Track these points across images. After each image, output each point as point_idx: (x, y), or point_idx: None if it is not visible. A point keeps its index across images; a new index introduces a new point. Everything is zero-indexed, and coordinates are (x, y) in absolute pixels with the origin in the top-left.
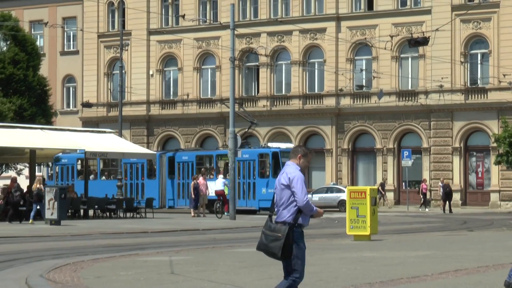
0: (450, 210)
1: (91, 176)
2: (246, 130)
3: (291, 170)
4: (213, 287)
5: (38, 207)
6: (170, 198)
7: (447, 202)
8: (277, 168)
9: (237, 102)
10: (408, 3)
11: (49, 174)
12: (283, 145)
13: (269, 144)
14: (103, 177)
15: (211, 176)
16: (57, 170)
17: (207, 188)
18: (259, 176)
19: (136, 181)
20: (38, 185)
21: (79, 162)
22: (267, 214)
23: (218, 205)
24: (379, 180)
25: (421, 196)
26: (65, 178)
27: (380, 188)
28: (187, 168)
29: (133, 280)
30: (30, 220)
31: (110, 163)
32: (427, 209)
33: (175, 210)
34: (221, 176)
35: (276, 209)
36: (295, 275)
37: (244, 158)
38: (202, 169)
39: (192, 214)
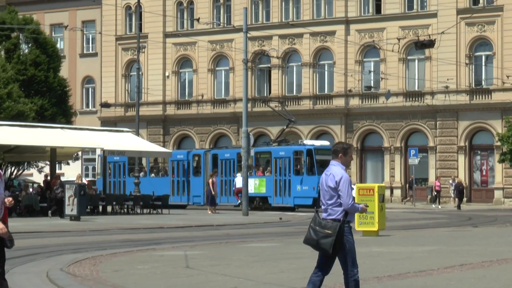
0: (459, 207)
1: (141, 174)
2: (285, 128)
3: (337, 171)
4: (226, 281)
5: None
6: None
7: (460, 200)
8: (311, 165)
9: (278, 101)
10: (415, 7)
11: (98, 171)
12: (318, 142)
13: (305, 142)
14: (152, 175)
15: (251, 173)
16: (109, 168)
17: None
18: (294, 174)
19: (182, 178)
20: (78, 181)
21: (130, 160)
22: (303, 211)
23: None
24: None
25: (435, 193)
26: (117, 175)
27: (408, 185)
28: (229, 166)
29: (150, 273)
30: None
31: (158, 161)
32: (440, 206)
33: (218, 207)
34: (239, 174)
35: (322, 206)
36: (352, 270)
37: (280, 155)
38: (215, 169)
39: (209, 212)
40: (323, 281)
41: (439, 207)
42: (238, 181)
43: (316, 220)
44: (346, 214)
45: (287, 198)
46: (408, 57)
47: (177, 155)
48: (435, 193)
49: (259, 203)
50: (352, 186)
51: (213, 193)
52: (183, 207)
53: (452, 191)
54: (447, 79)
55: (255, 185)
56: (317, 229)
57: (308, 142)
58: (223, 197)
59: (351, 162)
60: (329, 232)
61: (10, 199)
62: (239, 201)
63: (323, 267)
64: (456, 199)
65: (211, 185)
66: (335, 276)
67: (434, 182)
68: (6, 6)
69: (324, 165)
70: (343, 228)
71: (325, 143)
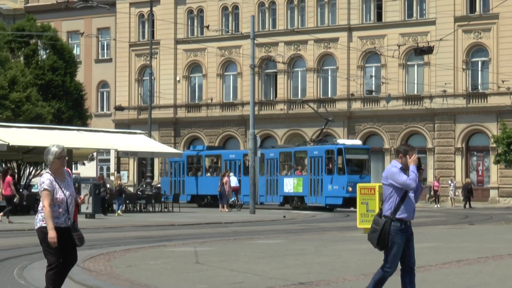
0: (470, 206)
1: (199, 173)
2: (323, 128)
3: (388, 167)
4: (234, 276)
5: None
6: (261, 194)
7: (468, 198)
8: (342, 164)
9: (320, 101)
10: (414, 14)
11: (161, 171)
12: (351, 142)
13: (338, 141)
14: (208, 174)
15: (289, 173)
16: (171, 167)
17: (230, 186)
18: (326, 173)
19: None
20: (119, 182)
21: (189, 160)
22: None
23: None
24: None
25: (433, 193)
26: (177, 174)
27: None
28: (273, 165)
29: (161, 269)
30: (116, 213)
31: (214, 161)
32: (439, 205)
33: (263, 206)
34: (232, 173)
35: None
36: (387, 266)
37: (314, 155)
38: (228, 169)
39: (220, 209)
40: (386, 276)
41: (438, 206)
42: (233, 180)
43: (375, 217)
44: (397, 209)
45: (319, 197)
46: (408, 63)
47: (229, 154)
48: (433, 193)
49: (297, 202)
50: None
51: (226, 191)
52: (233, 207)
53: (452, 191)
54: (445, 84)
55: (294, 185)
56: (372, 225)
57: (341, 141)
58: (268, 197)
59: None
60: (377, 227)
61: (82, 197)
62: (233, 198)
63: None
64: (466, 199)
65: (225, 184)
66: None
67: (433, 183)
68: (25, 14)
69: (355, 164)
70: (388, 224)
71: (357, 142)
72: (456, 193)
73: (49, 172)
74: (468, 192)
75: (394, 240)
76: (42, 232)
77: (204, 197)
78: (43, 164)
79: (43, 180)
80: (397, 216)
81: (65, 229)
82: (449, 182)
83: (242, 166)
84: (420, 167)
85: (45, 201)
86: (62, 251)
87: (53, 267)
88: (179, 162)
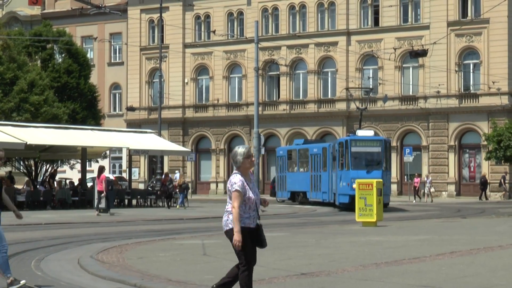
0: (486, 198)
1: (295, 168)
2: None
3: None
4: None
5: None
6: (306, 190)
7: (483, 191)
8: (347, 159)
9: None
10: (410, 20)
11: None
12: (363, 133)
13: (358, 132)
14: (302, 169)
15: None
16: (277, 163)
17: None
18: (332, 169)
19: (314, 173)
20: (183, 179)
21: (288, 155)
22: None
23: None
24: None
25: (413, 189)
26: (280, 170)
27: (502, 180)
28: (317, 160)
29: (171, 260)
30: (177, 206)
31: (304, 155)
32: (415, 201)
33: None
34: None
35: None
36: None
37: (314, 152)
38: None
39: None
40: None
41: (414, 201)
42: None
43: None
44: None
45: (319, 193)
46: (403, 65)
47: (313, 148)
48: (413, 189)
49: (302, 197)
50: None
51: None
52: (317, 203)
53: (427, 187)
54: (439, 85)
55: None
56: None
57: (360, 132)
58: (312, 193)
59: None
60: None
61: (268, 200)
62: None
63: None
64: (481, 191)
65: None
66: None
67: (414, 179)
68: (42, 20)
69: (364, 158)
70: None
71: (369, 133)
72: (432, 189)
73: (239, 172)
74: (483, 185)
75: None
76: (232, 234)
77: (298, 193)
78: (59, 162)
79: (235, 181)
80: None
81: (254, 229)
82: (425, 178)
83: (321, 160)
84: None
85: (235, 202)
86: (253, 251)
87: (247, 268)
88: (283, 157)
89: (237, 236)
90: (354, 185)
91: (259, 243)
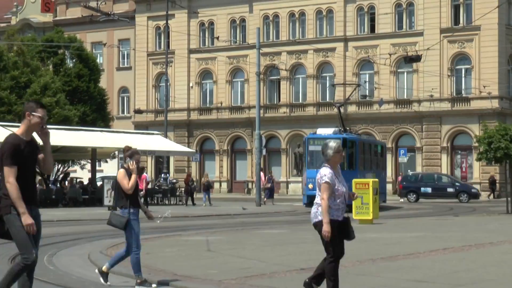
0: (494, 196)
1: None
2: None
3: None
4: (242, 262)
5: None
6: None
7: (493, 190)
8: (304, 158)
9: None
10: (404, 27)
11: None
12: (324, 131)
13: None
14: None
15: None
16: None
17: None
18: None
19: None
20: (207, 179)
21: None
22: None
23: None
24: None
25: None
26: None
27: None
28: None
29: (176, 256)
30: (204, 204)
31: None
32: (401, 200)
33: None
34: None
35: None
36: None
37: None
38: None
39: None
40: None
41: (401, 200)
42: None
43: None
44: None
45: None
46: (398, 70)
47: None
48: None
49: None
50: None
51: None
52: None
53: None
54: (432, 89)
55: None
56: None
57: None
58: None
59: None
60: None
61: (356, 193)
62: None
63: None
64: (491, 190)
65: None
66: None
67: (397, 178)
68: (54, 27)
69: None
70: None
71: (328, 131)
72: None
73: (328, 166)
74: (492, 184)
75: None
76: (321, 226)
77: None
78: (70, 162)
79: (325, 173)
80: None
81: (342, 222)
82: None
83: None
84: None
85: (324, 193)
86: (340, 243)
87: (334, 259)
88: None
89: (326, 227)
90: (310, 185)
91: (347, 235)
